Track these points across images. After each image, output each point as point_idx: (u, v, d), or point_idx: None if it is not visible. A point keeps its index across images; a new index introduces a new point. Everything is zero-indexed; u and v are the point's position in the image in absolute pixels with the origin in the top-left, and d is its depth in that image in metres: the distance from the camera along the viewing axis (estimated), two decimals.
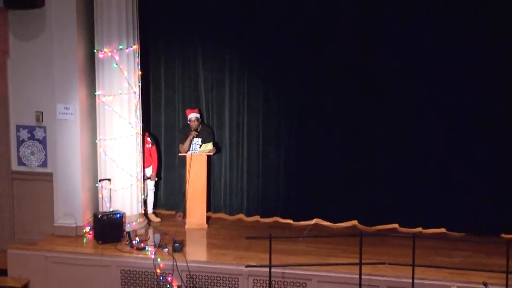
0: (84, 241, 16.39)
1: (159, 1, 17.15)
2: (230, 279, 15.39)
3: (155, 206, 17.77)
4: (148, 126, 17.50)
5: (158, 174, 17.71)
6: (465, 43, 16.20)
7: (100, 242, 16.21)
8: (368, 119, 16.90)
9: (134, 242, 16.05)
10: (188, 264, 15.43)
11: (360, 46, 16.76)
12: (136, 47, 16.47)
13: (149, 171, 17.44)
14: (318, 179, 17.29)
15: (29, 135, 16.61)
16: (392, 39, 16.53)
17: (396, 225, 17.09)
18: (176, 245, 15.80)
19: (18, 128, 16.62)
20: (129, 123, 16.49)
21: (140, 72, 16.67)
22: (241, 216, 17.83)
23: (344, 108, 16.94)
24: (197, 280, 15.47)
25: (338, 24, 16.77)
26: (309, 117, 17.14)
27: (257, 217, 17.73)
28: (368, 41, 16.71)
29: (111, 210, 16.47)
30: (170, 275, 15.46)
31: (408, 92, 16.71)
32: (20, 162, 16.71)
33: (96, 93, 16.43)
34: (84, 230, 16.53)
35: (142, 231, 16.73)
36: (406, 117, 16.77)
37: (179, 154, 17.21)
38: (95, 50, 16.30)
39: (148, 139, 17.35)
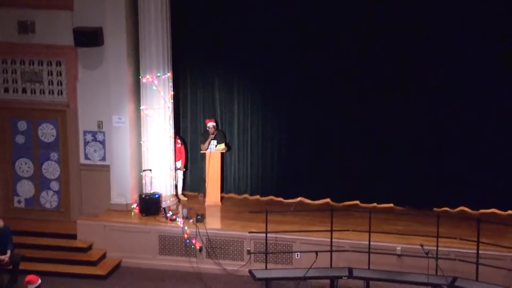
0: (132, 214, 16.35)
1: (186, 41, 16.89)
2: (237, 242, 15.52)
3: (183, 189, 17.56)
4: (178, 131, 17.26)
5: (185, 166, 17.48)
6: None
7: (143, 215, 16.22)
8: (341, 125, 16.71)
9: (168, 215, 16.05)
10: (207, 231, 15.58)
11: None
12: (169, 74, 16.43)
13: (179, 164, 17.21)
14: (301, 169, 17.07)
15: (93, 137, 16.49)
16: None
17: (357, 202, 16.92)
18: (199, 217, 15.86)
19: (85, 132, 16.49)
20: (164, 129, 16.47)
21: (172, 92, 16.61)
22: (246, 195, 17.58)
23: (322, 117, 16.77)
24: (213, 242, 15.57)
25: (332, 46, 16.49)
26: (297, 126, 16.97)
27: (257, 196, 17.50)
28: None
29: (151, 192, 16.48)
30: (194, 238, 15.60)
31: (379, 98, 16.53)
32: (86, 157, 16.57)
33: (140, 108, 16.43)
34: (132, 206, 16.44)
35: (174, 207, 16.65)
36: (373, 117, 16.59)
37: (201, 152, 17.05)
38: (140, 77, 16.31)
39: (178, 140, 17.17)
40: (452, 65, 16.03)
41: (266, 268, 14.95)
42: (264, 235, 14.88)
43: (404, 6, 15.91)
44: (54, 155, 16.81)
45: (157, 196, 16.37)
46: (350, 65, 16.44)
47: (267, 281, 14.38)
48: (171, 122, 16.67)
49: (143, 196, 16.35)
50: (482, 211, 16.25)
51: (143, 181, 16.61)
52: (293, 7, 16.34)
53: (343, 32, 16.31)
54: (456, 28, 15.84)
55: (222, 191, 17.39)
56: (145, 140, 16.51)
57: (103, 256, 15.94)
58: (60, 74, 16.52)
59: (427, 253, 13.26)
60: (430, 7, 15.80)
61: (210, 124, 16.94)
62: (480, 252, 14.12)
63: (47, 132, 16.77)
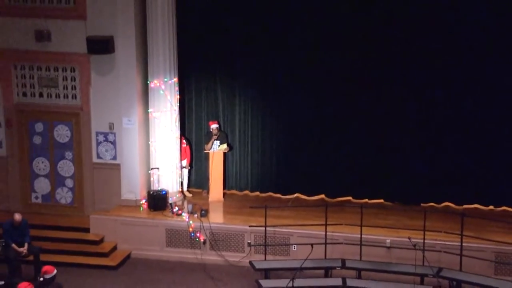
0: (141, 209, 16.37)
1: (191, 49, 16.81)
2: (238, 235, 15.55)
3: (188, 186, 17.49)
4: (183, 132, 17.21)
5: (190, 164, 17.42)
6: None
7: (151, 210, 16.23)
8: (334, 128, 16.66)
9: (174, 210, 16.08)
10: (211, 225, 15.59)
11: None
12: (175, 79, 16.41)
13: (184, 163, 17.15)
14: (298, 167, 17.05)
15: (104, 138, 16.48)
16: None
17: (350, 198, 16.85)
18: (203, 212, 15.87)
19: (97, 133, 16.48)
20: (171, 130, 16.45)
21: (178, 96, 16.58)
22: (246, 192, 17.51)
23: (318, 121, 16.75)
24: (216, 235, 15.60)
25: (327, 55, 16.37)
26: (294, 128, 16.93)
27: (257, 193, 17.45)
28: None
29: (159, 188, 16.45)
30: (198, 232, 15.61)
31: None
32: (98, 157, 16.55)
33: (148, 110, 16.39)
34: (141, 202, 16.45)
35: (180, 203, 16.63)
36: (363, 121, 16.48)
37: (205, 151, 17.04)
38: (148, 82, 16.26)
39: (184, 141, 17.11)
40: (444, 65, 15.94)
41: (265, 259, 14.98)
42: (264, 228, 14.90)
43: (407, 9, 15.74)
44: (68, 154, 16.80)
45: (164, 192, 16.35)
46: (343, 70, 16.33)
47: (266, 271, 14.44)
48: (177, 123, 16.65)
49: (151, 192, 16.34)
50: (465, 206, 16.25)
51: (151, 179, 16.58)
52: (291, 19, 16.29)
53: (340, 35, 16.19)
54: (457, 26, 15.65)
55: (224, 187, 17.31)
56: (153, 141, 16.47)
57: (114, 248, 15.95)
58: (74, 80, 16.52)
59: (414, 245, 13.29)
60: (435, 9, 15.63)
61: (213, 126, 16.92)
62: (463, 244, 14.17)
63: (62, 133, 16.76)
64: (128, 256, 15.91)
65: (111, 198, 16.55)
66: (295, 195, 17.24)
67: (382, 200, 16.78)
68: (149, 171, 16.62)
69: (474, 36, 15.65)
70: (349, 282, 13.94)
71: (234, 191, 17.61)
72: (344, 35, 16.18)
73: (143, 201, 16.50)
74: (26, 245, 14.56)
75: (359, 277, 14.29)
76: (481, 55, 15.71)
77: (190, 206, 16.23)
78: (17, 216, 14.62)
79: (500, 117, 15.90)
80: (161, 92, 16.22)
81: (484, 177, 16.15)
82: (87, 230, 16.17)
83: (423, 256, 13.62)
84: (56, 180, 16.95)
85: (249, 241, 15.41)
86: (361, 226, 14.47)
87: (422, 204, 16.29)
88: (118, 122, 16.36)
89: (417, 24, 15.78)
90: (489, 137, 16.03)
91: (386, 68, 16.19)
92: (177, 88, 16.56)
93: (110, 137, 16.52)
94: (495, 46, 15.62)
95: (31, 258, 14.65)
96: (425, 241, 14.10)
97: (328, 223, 14.68)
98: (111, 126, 16.46)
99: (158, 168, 16.52)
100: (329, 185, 17.01)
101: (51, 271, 12.26)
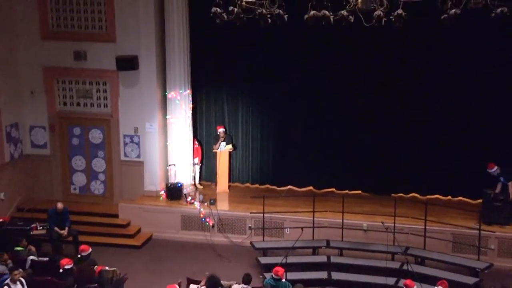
0: (160, 198, 16.39)
1: (203, 66, 16.77)
2: (241, 220, 15.68)
3: (200, 179, 17.49)
4: (195, 134, 17.18)
5: (201, 161, 17.42)
6: None
7: (169, 199, 16.28)
8: (322, 132, 16.55)
9: (188, 199, 16.16)
10: (218, 212, 15.71)
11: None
12: (189, 91, 16.48)
13: (196, 160, 17.16)
14: (291, 164, 17.09)
15: (130, 140, 16.58)
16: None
17: (333, 189, 16.84)
18: (212, 201, 15.98)
19: (124, 136, 16.57)
20: (185, 133, 16.53)
21: (191, 105, 16.64)
22: (248, 184, 17.50)
23: (307, 126, 16.70)
24: (223, 220, 15.71)
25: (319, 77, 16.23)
26: (287, 131, 16.98)
27: (257, 185, 17.44)
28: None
29: (175, 181, 16.50)
30: (208, 217, 15.73)
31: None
32: (125, 155, 16.63)
33: (167, 117, 16.46)
34: (161, 193, 16.48)
35: (193, 193, 16.63)
36: (346, 123, 16.39)
37: (213, 151, 17.02)
38: (166, 93, 16.33)
39: (196, 142, 17.15)
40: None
41: (263, 240, 15.13)
42: (262, 215, 15.04)
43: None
44: (101, 153, 16.94)
45: (179, 185, 16.39)
46: (327, 81, 16.23)
47: (264, 250, 14.64)
48: (190, 128, 16.70)
49: (169, 185, 16.38)
50: (428, 196, 16.28)
51: (169, 174, 16.62)
52: (289, 39, 16.02)
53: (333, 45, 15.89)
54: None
55: (229, 181, 17.31)
56: (170, 142, 16.55)
57: (139, 231, 16.05)
58: (106, 92, 16.65)
59: (386, 229, 13.41)
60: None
61: (220, 129, 16.93)
62: (427, 227, 14.36)
63: (95, 135, 16.90)
64: (150, 238, 15.99)
65: (136, 190, 16.62)
66: (288, 187, 17.24)
67: (360, 191, 16.79)
68: (167, 167, 16.68)
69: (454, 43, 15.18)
70: (333, 259, 14.13)
71: (237, 184, 17.59)
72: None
73: (162, 192, 16.51)
74: (66, 228, 14.80)
75: (341, 254, 14.48)
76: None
77: (201, 196, 16.27)
78: (59, 205, 14.92)
79: (461, 119, 15.78)
80: (177, 101, 16.31)
81: (445, 172, 16.15)
82: (116, 216, 16.27)
83: (394, 237, 13.62)
84: (91, 174, 17.07)
85: (250, 225, 15.51)
86: (342, 212, 14.58)
87: (392, 195, 16.31)
88: (142, 127, 16.43)
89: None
90: (450, 138, 15.90)
91: (369, 70, 15.84)
92: (190, 99, 16.61)
93: (135, 139, 16.61)
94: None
95: (70, 239, 14.87)
96: (395, 225, 14.17)
97: (315, 210, 14.77)
98: (136, 130, 16.54)
99: (174, 165, 16.58)
100: (317, 179, 17.03)
101: (87, 250, 12.58)
